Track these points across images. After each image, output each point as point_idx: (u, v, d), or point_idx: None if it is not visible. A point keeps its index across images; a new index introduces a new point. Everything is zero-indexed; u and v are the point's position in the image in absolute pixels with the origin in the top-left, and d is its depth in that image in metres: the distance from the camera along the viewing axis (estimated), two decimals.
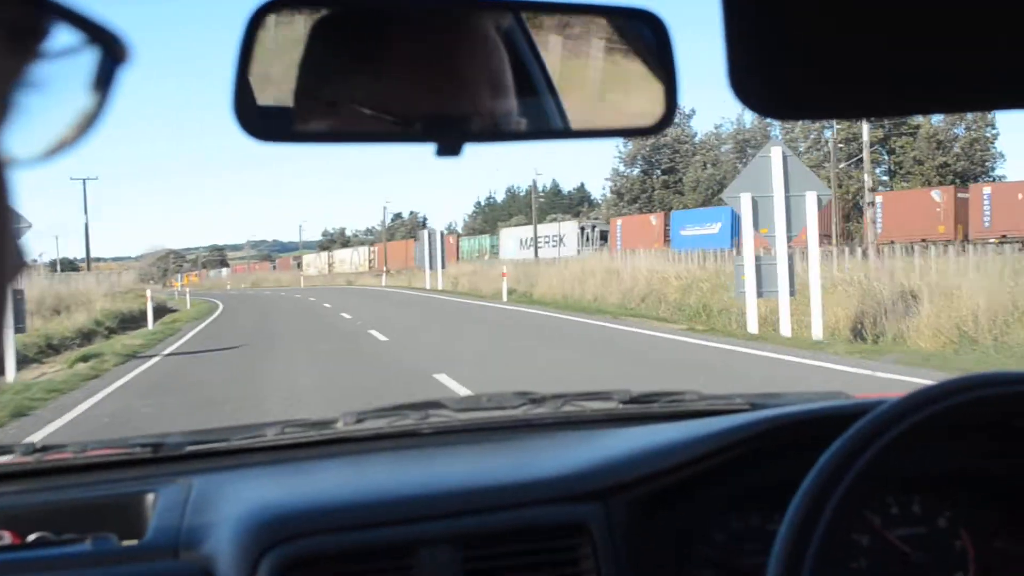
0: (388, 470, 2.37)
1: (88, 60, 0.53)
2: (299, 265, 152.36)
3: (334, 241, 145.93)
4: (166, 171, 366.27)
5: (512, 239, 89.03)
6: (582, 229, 78.94)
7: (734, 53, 1.17)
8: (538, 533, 2.00)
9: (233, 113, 1.28)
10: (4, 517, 2.06)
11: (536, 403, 2.66)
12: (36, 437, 11.83)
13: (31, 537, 1.98)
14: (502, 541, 1.98)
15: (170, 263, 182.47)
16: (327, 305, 47.16)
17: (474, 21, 1.32)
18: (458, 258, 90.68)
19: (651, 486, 2.08)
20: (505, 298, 44.59)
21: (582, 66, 1.40)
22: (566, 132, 1.39)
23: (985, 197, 51.57)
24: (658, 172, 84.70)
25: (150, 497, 2.14)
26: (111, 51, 0.55)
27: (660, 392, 2.74)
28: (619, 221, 77.37)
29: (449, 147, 1.30)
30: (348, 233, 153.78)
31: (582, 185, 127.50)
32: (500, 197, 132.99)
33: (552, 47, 1.38)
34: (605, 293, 39.44)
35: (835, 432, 1.63)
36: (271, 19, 1.29)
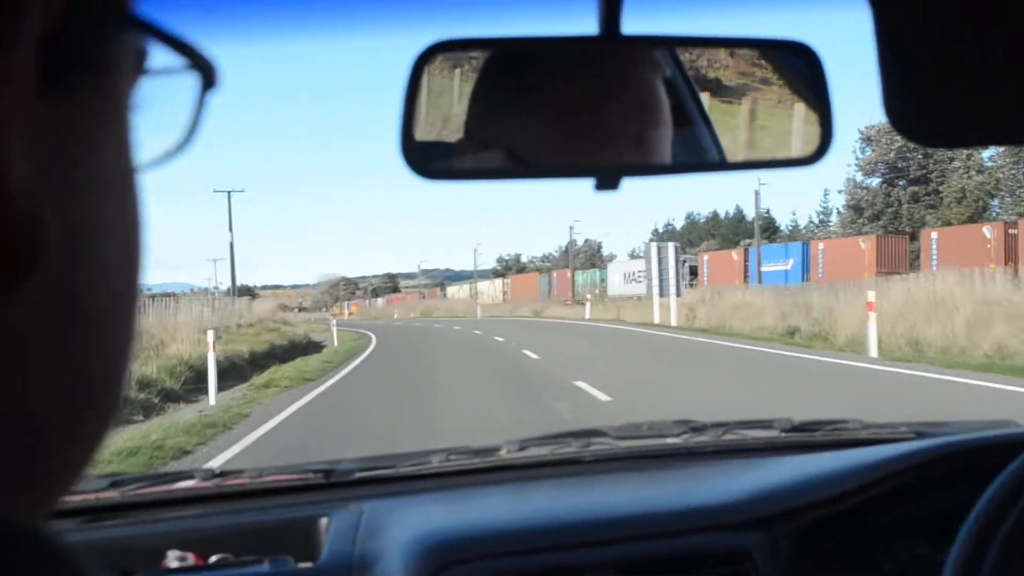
0: (551, 497, 2.39)
1: (183, 85, 0.56)
2: (444, 294, 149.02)
3: (510, 268, 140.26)
4: (344, 198, 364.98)
5: (618, 273, 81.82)
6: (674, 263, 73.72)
7: (888, 82, 1.19)
8: (702, 561, 2.00)
9: (400, 149, 1.33)
10: (187, 539, 2.14)
11: (696, 431, 2.67)
12: None
13: (213, 559, 2.06)
14: (666, 569, 1.99)
15: (340, 290, 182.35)
16: (535, 356, 28.15)
17: (628, 57, 1.35)
18: (573, 292, 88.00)
19: (815, 514, 2.07)
20: (874, 351, 23.53)
21: (737, 98, 1.42)
22: (722, 165, 1.41)
23: None
24: (902, 183, 70.66)
25: (323, 521, 2.20)
26: (206, 76, 0.58)
27: (822, 420, 2.72)
28: (706, 256, 76.44)
29: (607, 182, 1.33)
30: (524, 259, 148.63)
31: (767, 211, 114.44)
32: (679, 223, 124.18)
33: (706, 80, 1.40)
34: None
35: (1004, 460, 1.60)
36: (437, 60, 1.34)
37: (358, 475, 2.44)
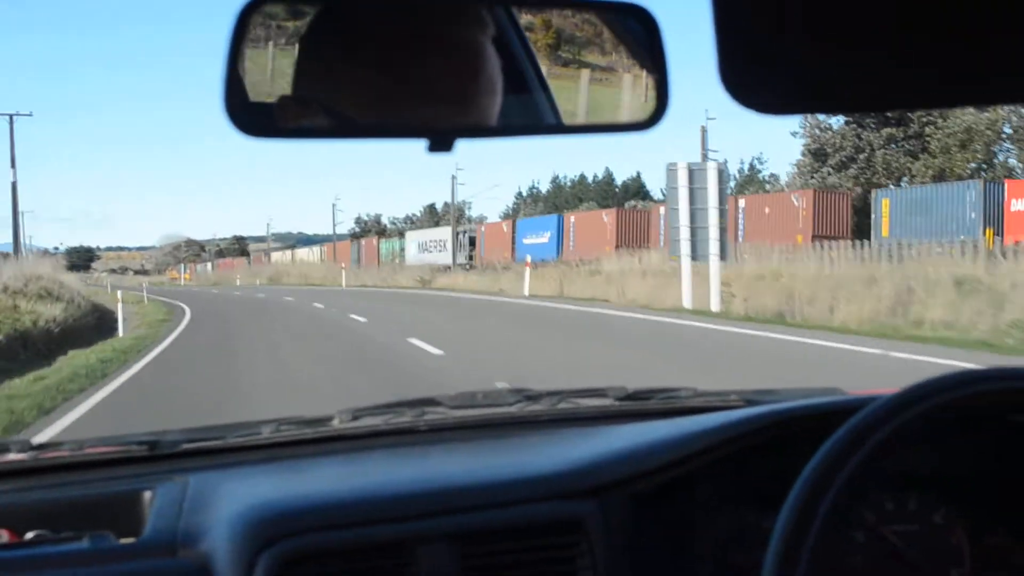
0: (384, 467, 2.33)
1: None
2: (270, 258, 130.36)
3: (369, 230, 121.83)
4: (191, 159, 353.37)
5: (413, 243, 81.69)
6: (456, 235, 73.80)
7: (724, 49, 1.16)
8: (535, 530, 1.97)
9: (224, 108, 1.26)
10: (1, 515, 2.03)
11: (531, 400, 2.63)
12: None
13: (29, 535, 1.96)
14: (499, 538, 1.96)
15: (183, 252, 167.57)
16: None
17: (463, 17, 1.29)
18: (379, 260, 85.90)
19: (647, 483, 2.05)
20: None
21: (573, 61, 1.39)
22: (558, 128, 1.37)
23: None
24: (872, 124, 55.34)
25: (147, 495, 2.11)
26: None
27: (656, 389, 2.71)
28: (482, 228, 73.48)
29: (440, 143, 1.27)
30: (385, 220, 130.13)
31: (638, 175, 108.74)
32: (544, 187, 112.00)
33: (542, 42, 1.37)
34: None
35: (830, 428, 1.60)
36: (260, 15, 1.28)
37: (184, 447, 2.33)
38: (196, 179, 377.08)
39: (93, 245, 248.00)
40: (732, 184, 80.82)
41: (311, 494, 2.04)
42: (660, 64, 1.33)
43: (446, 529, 1.93)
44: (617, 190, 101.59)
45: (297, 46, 1.30)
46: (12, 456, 2.27)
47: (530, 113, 1.36)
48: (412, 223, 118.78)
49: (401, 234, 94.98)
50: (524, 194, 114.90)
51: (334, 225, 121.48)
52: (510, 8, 1.34)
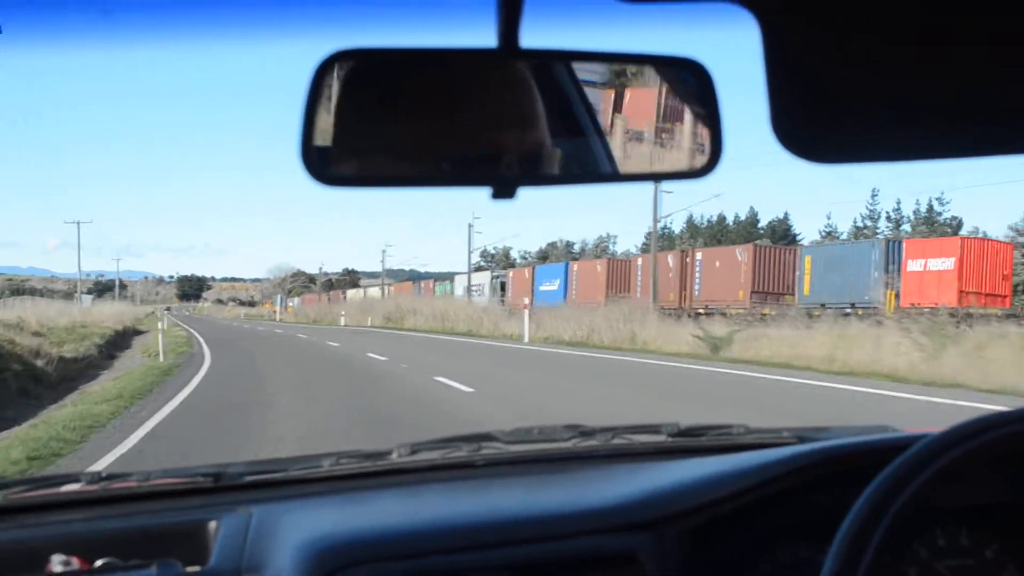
0: (442, 500, 2.04)
1: None
2: (344, 296, 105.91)
3: (498, 263, 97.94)
4: (307, 192, 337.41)
5: (460, 287, 73.26)
6: (492, 279, 68.80)
7: (775, 101, 0.96)
8: (590, 562, 1.71)
9: (300, 157, 1.09)
10: (71, 544, 1.76)
11: (586, 435, 2.32)
12: None
13: (98, 563, 1.70)
14: (555, 570, 1.69)
15: (288, 284, 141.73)
16: None
17: (525, 70, 1.12)
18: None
19: (701, 517, 1.79)
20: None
21: (629, 112, 1.17)
22: (614, 176, 1.17)
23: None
24: None
25: (212, 525, 1.84)
26: None
27: (708, 425, 2.41)
28: (510, 273, 66.96)
29: (503, 191, 1.11)
30: (515, 255, 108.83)
31: (785, 216, 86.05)
32: (678, 227, 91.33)
33: (601, 94, 1.16)
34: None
35: (880, 464, 1.37)
36: (337, 69, 1.09)
37: (248, 478, 2.05)
38: (312, 212, 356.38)
39: (208, 275, 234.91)
40: (907, 227, 70.13)
41: (372, 526, 1.77)
42: (714, 115, 1.14)
43: (504, 560, 1.66)
44: (762, 231, 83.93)
45: (370, 98, 1.11)
46: (82, 486, 1.99)
47: (588, 162, 1.16)
48: (542, 257, 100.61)
49: (451, 279, 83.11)
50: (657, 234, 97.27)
51: (383, 264, 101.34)
52: (568, 62, 1.15)
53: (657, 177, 1.19)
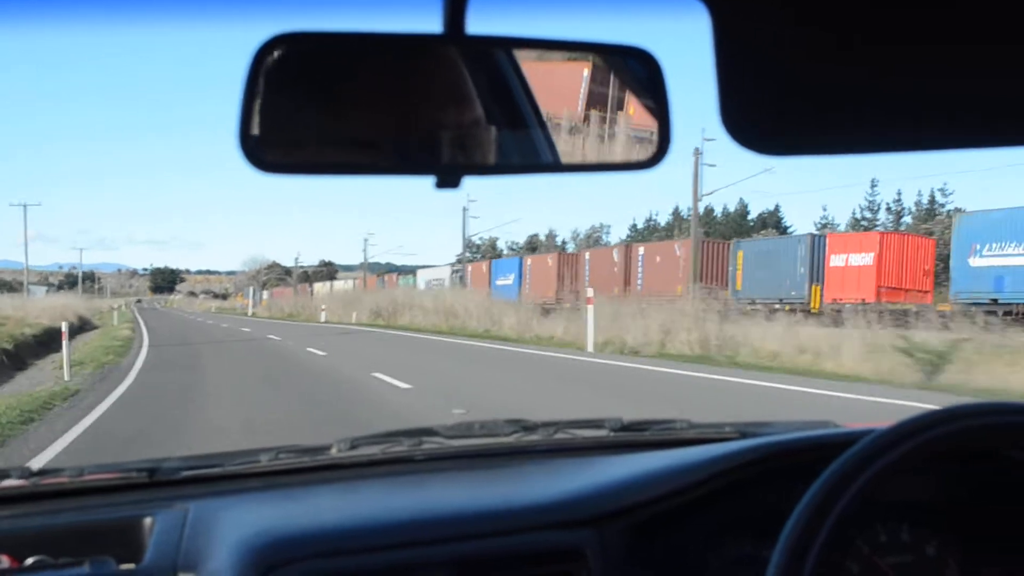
0: (382, 496, 1.89)
1: None
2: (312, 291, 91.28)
3: (484, 255, 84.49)
4: (282, 184, 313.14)
5: (422, 280, 65.77)
6: (452, 273, 62.41)
7: (725, 92, 0.88)
8: (533, 559, 1.59)
9: (238, 143, 0.97)
10: (1, 541, 1.61)
11: (528, 431, 2.18)
12: None
13: (29, 561, 1.56)
14: (498, 567, 1.57)
15: (263, 276, 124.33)
16: None
17: (470, 56, 1.01)
18: None
19: (645, 513, 1.67)
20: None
21: (574, 101, 1.06)
22: (560, 167, 1.07)
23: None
24: None
25: (147, 521, 1.69)
26: None
27: (651, 420, 2.26)
28: (469, 267, 60.18)
29: (447, 180, 1.00)
30: (502, 245, 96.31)
31: (776, 207, 76.66)
32: (663, 219, 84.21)
33: (544, 82, 1.04)
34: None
35: (824, 460, 1.28)
36: (275, 53, 0.97)
37: (184, 474, 1.89)
38: (289, 203, 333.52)
39: (182, 267, 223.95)
40: (908, 219, 63.02)
41: (311, 522, 1.63)
42: (662, 105, 1.03)
43: (446, 557, 1.53)
44: (752, 223, 75.19)
45: (309, 84, 1.00)
46: (12, 482, 1.83)
47: (534, 152, 1.06)
48: (515, 248, 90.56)
49: (414, 272, 74.10)
50: (639, 226, 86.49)
51: (365, 256, 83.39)
52: (511, 49, 1.04)
53: (604, 168, 1.08)
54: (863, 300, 28.20)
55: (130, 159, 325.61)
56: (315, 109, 0.99)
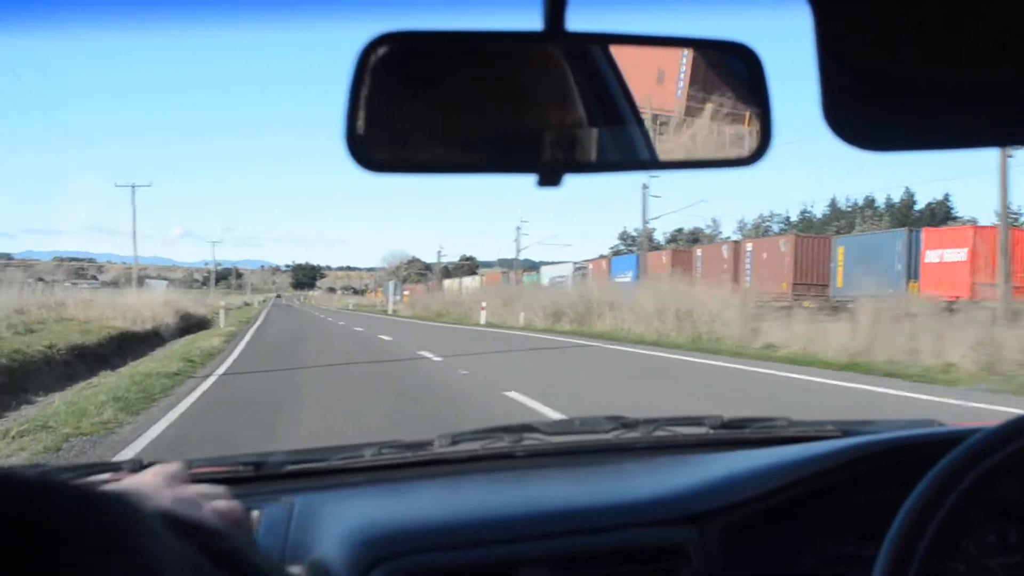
0: (484, 491, 1.76)
1: None
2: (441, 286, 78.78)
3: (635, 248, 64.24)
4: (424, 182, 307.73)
5: (546, 277, 59.54)
6: (575, 270, 56.54)
7: (827, 85, 0.80)
8: (636, 555, 1.45)
9: (344, 141, 0.88)
10: None
11: (628, 427, 2.01)
12: None
13: None
14: (598, 563, 1.44)
15: (403, 271, 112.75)
16: None
17: (571, 54, 0.91)
18: None
19: (747, 511, 1.53)
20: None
21: (672, 98, 0.95)
22: (656, 163, 0.96)
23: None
24: None
25: (254, 514, 1.56)
26: None
27: (751, 418, 2.08)
28: (590, 265, 55.02)
29: (549, 177, 0.89)
30: (659, 237, 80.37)
31: (945, 197, 65.16)
32: (820, 210, 73.40)
33: (644, 79, 0.94)
34: None
35: (929, 459, 1.14)
36: (380, 52, 0.88)
37: (289, 468, 1.79)
38: (431, 201, 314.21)
39: (324, 264, 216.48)
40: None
41: (414, 516, 1.53)
42: (763, 100, 0.92)
43: (549, 552, 1.41)
44: (918, 213, 64.10)
45: (415, 83, 0.91)
46: (122, 475, 1.75)
47: (633, 149, 0.96)
48: (692, 241, 73.87)
49: (537, 269, 66.98)
50: (792, 219, 72.96)
51: (439, 256, 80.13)
52: (609, 45, 0.93)
53: (703, 165, 0.97)
54: (957, 297, 25.62)
55: (274, 153, 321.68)
56: (419, 108, 0.91)
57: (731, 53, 0.92)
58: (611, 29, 0.91)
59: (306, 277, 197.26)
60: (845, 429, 1.92)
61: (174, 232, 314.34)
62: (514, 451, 1.87)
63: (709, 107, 0.95)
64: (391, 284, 79.71)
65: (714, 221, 79.77)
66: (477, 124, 0.90)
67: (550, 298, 36.39)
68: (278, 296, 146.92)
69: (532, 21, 0.87)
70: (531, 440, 1.90)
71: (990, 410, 9.81)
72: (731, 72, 0.93)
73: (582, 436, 1.96)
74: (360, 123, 0.88)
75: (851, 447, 1.59)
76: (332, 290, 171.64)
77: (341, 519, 1.47)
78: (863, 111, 0.81)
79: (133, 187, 54.51)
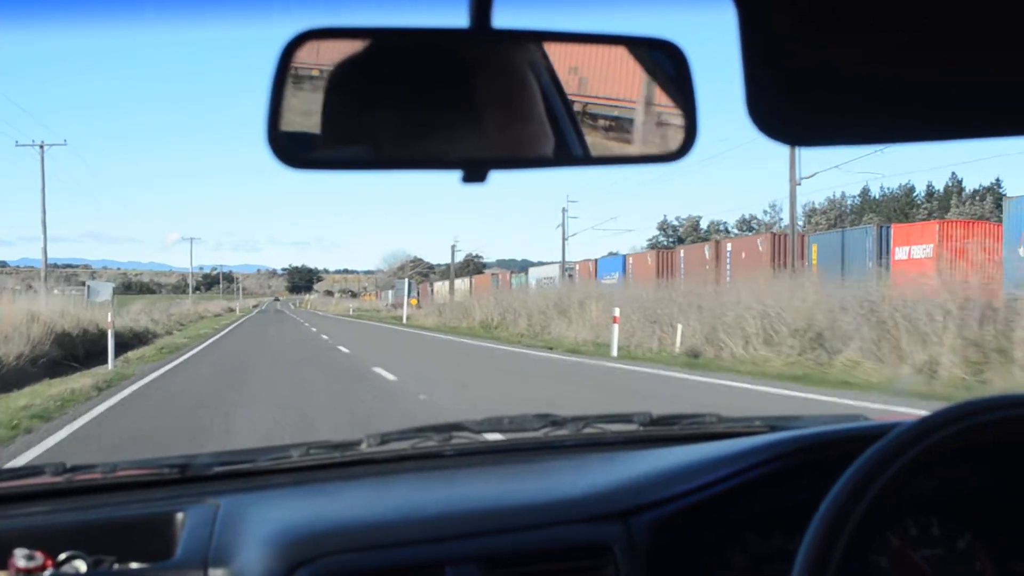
0: (412, 491, 1.71)
1: None
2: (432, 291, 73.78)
3: (683, 238, 65.06)
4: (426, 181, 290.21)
5: (533, 279, 53.23)
6: (563, 272, 52.28)
7: (751, 85, 0.79)
8: (563, 553, 1.42)
9: (266, 138, 0.85)
10: (35, 537, 1.45)
11: (557, 425, 1.96)
12: None
13: (62, 556, 1.40)
14: (527, 561, 1.40)
15: (406, 273, 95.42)
16: None
17: (496, 51, 0.87)
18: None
19: (673, 507, 1.48)
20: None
21: (600, 94, 0.92)
22: (586, 160, 0.93)
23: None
24: None
25: (179, 516, 1.53)
26: None
27: (680, 415, 2.03)
28: (577, 266, 51.14)
29: (474, 174, 0.87)
30: (704, 225, 71.19)
31: (997, 181, 54.31)
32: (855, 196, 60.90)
33: (572, 76, 0.90)
34: None
35: (853, 453, 1.10)
36: (304, 49, 0.86)
37: (215, 469, 1.72)
38: (432, 203, 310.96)
39: (321, 267, 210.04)
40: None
41: (342, 516, 1.48)
42: (689, 97, 0.89)
43: (476, 551, 1.37)
44: (919, 199, 57.01)
45: (337, 79, 0.87)
46: (46, 478, 1.67)
47: (559, 145, 0.92)
48: (743, 228, 65.24)
49: (526, 271, 59.72)
50: (818, 206, 59.16)
51: (452, 257, 67.39)
52: (540, 43, 0.90)
53: (630, 160, 0.94)
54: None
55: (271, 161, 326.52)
56: (342, 104, 0.87)
57: (658, 50, 0.88)
58: (539, 26, 0.87)
59: (302, 280, 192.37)
60: (773, 424, 1.88)
61: (171, 237, 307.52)
62: (443, 450, 1.81)
63: (637, 103, 0.91)
64: (405, 283, 63.54)
65: (772, 207, 67.55)
66: (400, 121, 0.87)
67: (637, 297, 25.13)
68: (276, 299, 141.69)
69: (459, 18, 0.84)
70: (460, 439, 1.84)
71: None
72: (658, 68, 0.90)
73: (511, 434, 1.91)
74: (282, 120, 0.85)
75: (778, 442, 1.55)
76: (330, 293, 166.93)
77: (267, 520, 1.42)
78: (785, 107, 0.79)
79: (42, 146, 39.71)
